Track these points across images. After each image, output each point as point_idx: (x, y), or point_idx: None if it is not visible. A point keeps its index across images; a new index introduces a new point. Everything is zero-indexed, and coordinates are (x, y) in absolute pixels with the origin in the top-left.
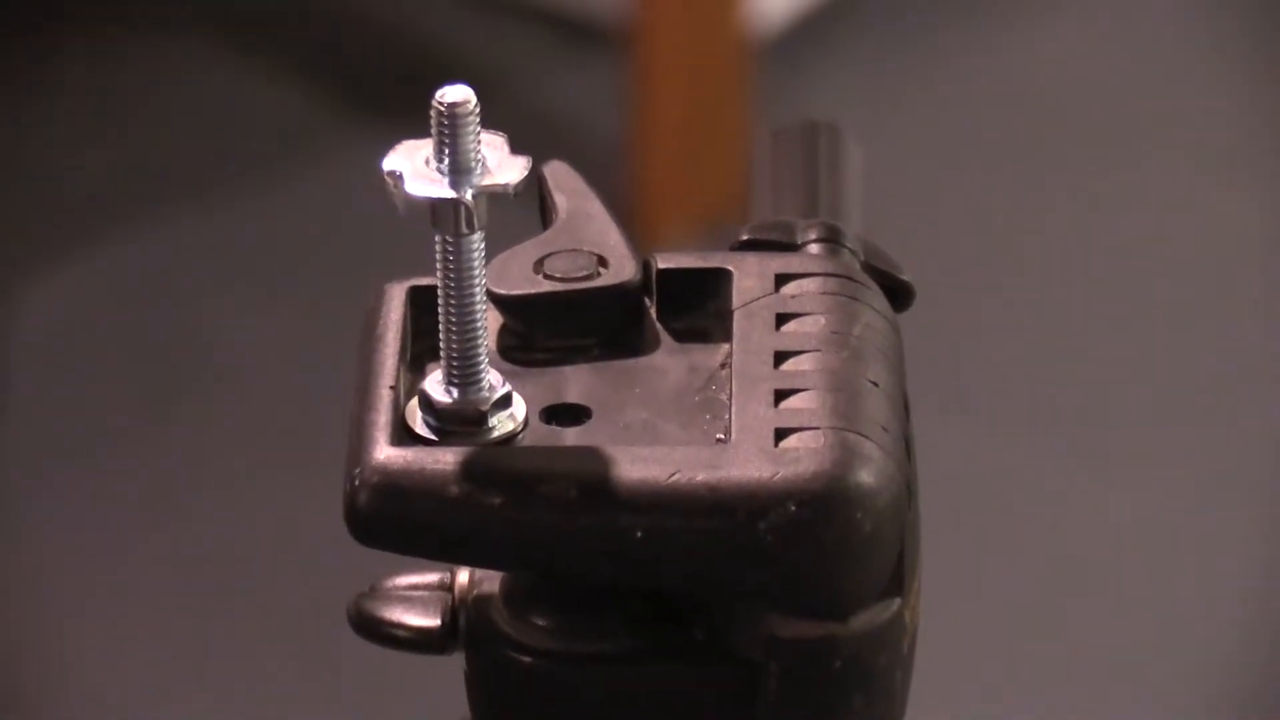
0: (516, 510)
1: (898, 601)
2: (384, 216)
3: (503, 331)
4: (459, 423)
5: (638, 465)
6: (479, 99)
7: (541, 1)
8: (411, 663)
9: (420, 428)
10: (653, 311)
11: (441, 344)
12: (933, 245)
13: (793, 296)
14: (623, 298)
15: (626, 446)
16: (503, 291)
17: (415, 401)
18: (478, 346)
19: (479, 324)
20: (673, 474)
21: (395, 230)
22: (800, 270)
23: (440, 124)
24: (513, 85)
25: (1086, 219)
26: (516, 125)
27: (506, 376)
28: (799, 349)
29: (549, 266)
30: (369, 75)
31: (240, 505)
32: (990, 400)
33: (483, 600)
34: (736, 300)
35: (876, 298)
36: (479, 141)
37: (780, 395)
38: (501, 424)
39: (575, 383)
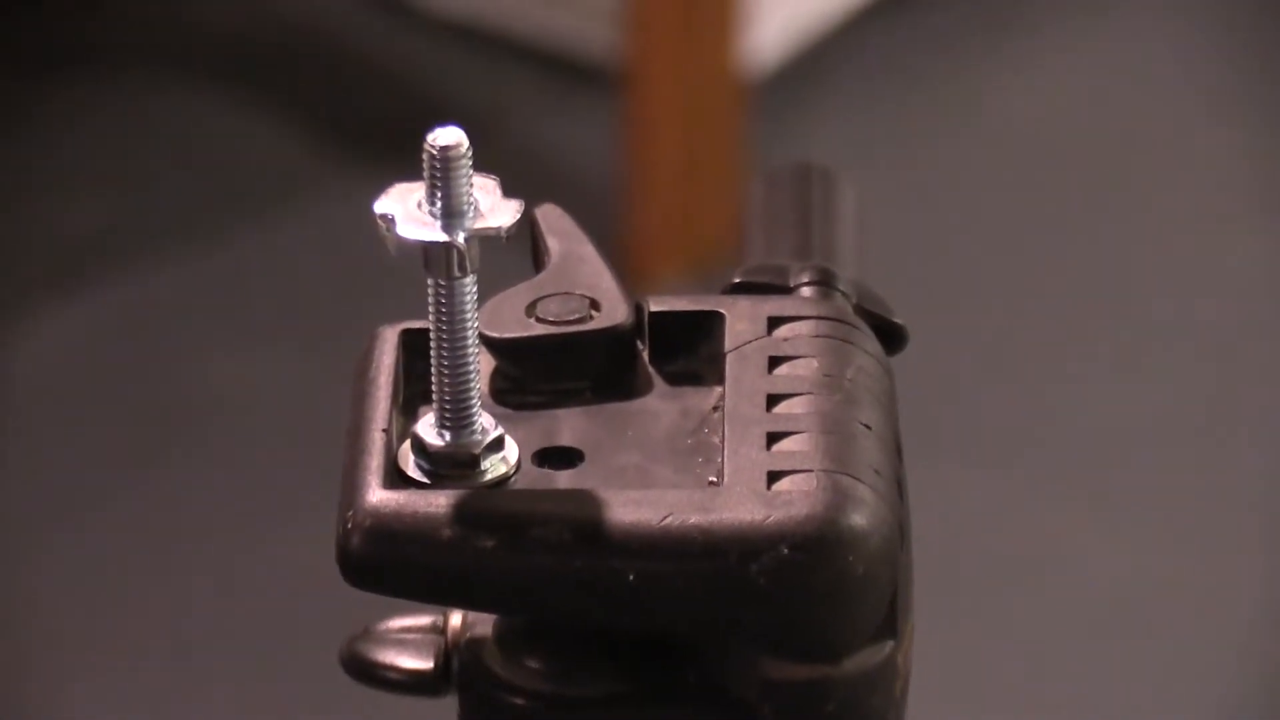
0: (509, 553)
1: (890, 644)
2: (377, 259)
3: (495, 374)
4: (451, 466)
5: (630, 508)
6: (471, 141)
7: (534, 42)
8: (404, 706)
9: (413, 471)
10: (645, 354)
11: (434, 387)
12: (926, 287)
13: (785, 339)
14: (615, 341)
15: (619, 490)
16: (495, 334)
17: (408, 444)
18: (470, 389)
19: (471, 367)
20: (665, 517)
21: (388, 273)
22: (793, 313)
23: (432, 167)
24: (505, 128)
25: (1082, 260)
26: (508, 168)
27: (499, 419)
28: (791, 392)
29: (541, 310)
30: (362, 117)
31: (232, 547)
32: (983, 442)
33: (475, 643)
34: (729, 343)
35: (869, 340)
36: (471, 184)
37: (773, 438)
38: (494, 467)
39: (568, 426)
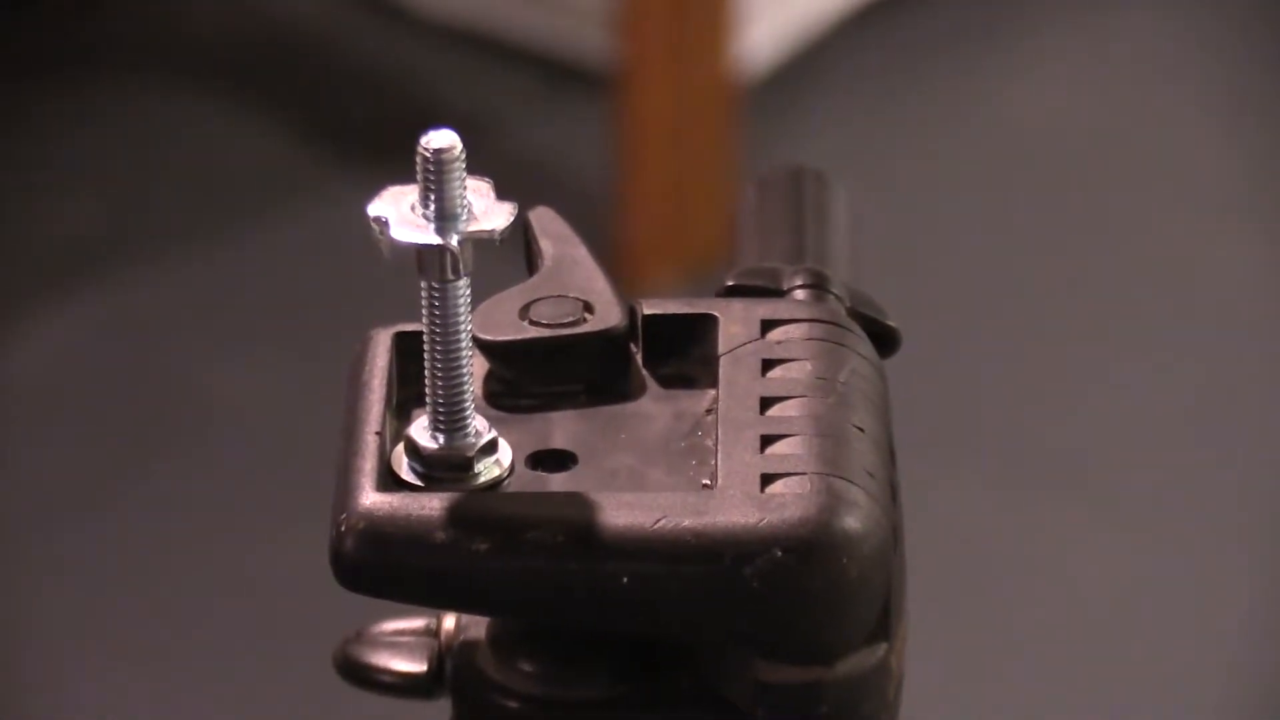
0: (502, 556)
1: (884, 647)
2: (370, 262)
3: (489, 377)
4: (445, 469)
5: (624, 511)
6: (464, 144)
7: (528, 45)
8: (397, 708)
9: (406, 474)
10: (638, 357)
11: (427, 390)
12: (920, 290)
13: (778, 342)
14: (608, 344)
15: (612, 492)
16: (489, 337)
17: (401, 447)
18: (463, 392)
19: (465, 370)
20: (659, 520)
21: (381, 276)
22: (786, 316)
23: (426, 170)
24: (499, 131)
25: (1077, 261)
26: (502, 171)
27: (492, 422)
28: (785, 395)
29: (535, 313)
30: (356, 121)
31: (228, 550)
32: (977, 445)
33: (469, 646)
34: (722, 346)
35: (862, 343)
36: (465, 187)
37: (766, 441)
38: (487, 470)
39: (561, 429)
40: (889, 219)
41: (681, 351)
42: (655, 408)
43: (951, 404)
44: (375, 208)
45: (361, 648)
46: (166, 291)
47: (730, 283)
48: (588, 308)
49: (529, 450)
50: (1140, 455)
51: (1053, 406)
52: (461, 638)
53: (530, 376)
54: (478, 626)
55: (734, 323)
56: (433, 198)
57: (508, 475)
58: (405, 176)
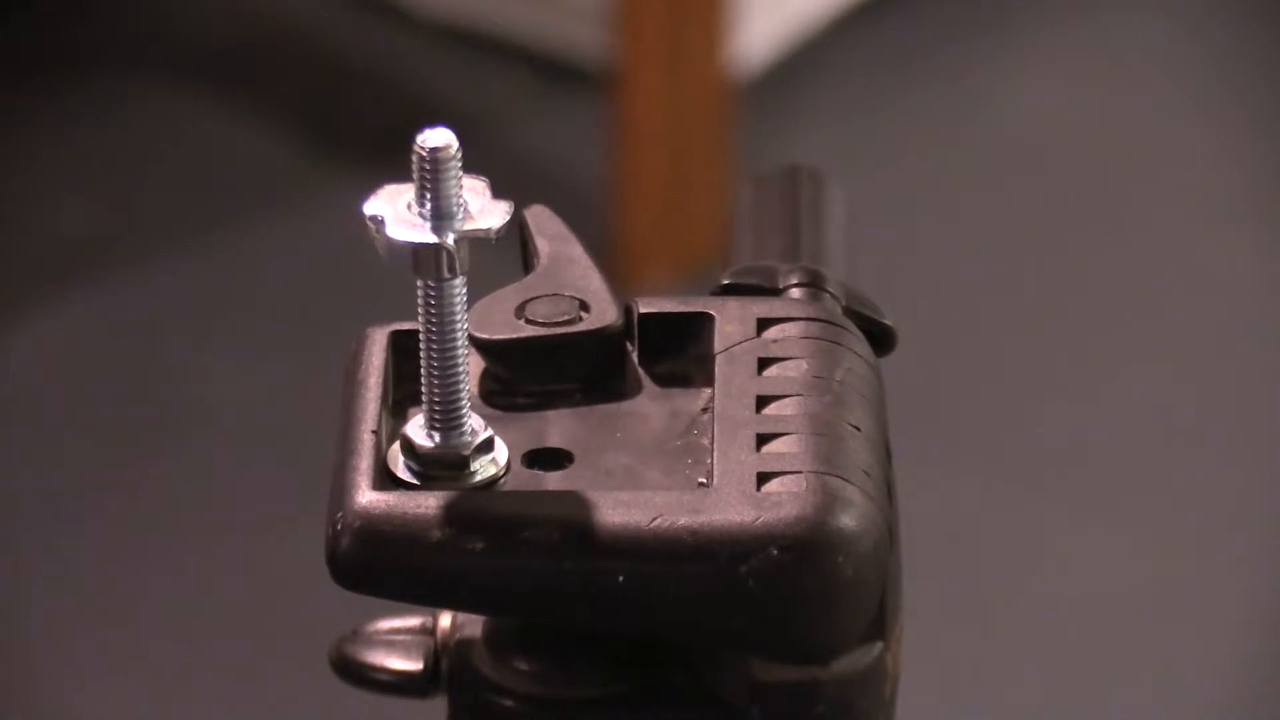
0: (498, 555)
1: (879, 646)
2: (366, 261)
3: (484, 376)
4: (441, 467)
5: (620, 510)
6: (460, 143)
7: (524, 44)
8: (393, 707)
9: (402, 472)
10: (634, 356)
11: (423, 388)
12: (915, 289)
13: (774, 341)
14: (604, 342)
15: (608, 491)
16: (484, 336)
17: (397, 446)
18: (459, 391)
19: (461, 368)
20: (655, 518)
21: (377, 275)
22: (782, 315)
23: (422, 169)
24: (494, 129)
25: (1072, 261)
26: (498, 169)
27: (488, 421)
28: (781, 393)
29: (531, 311)
30: (351, 120)
31: (224, 549)
32: (973, 443)
33: (465, 644)
34: (718, 345)
35: (858, 342)
36: (461, 186)
37: (762, 440)
38: (483, 468)
39: (557, 427)
40: (885, 218)
41: (677, 350)
42: (651, 406)
43: (947, 403)
44: (371, 206)
45: (357, 646)
46: (163, 291)
47: (726, 281)
48: (584, 306)
49: (525, 449)
50: (1138, 454)
51: (1049, 405)
52: (457, 636)
53: (526, 375)
54: (474, 625)
55: (730, 321)
56: (429, 196)
57: (504, 474)
58: (401, 175)
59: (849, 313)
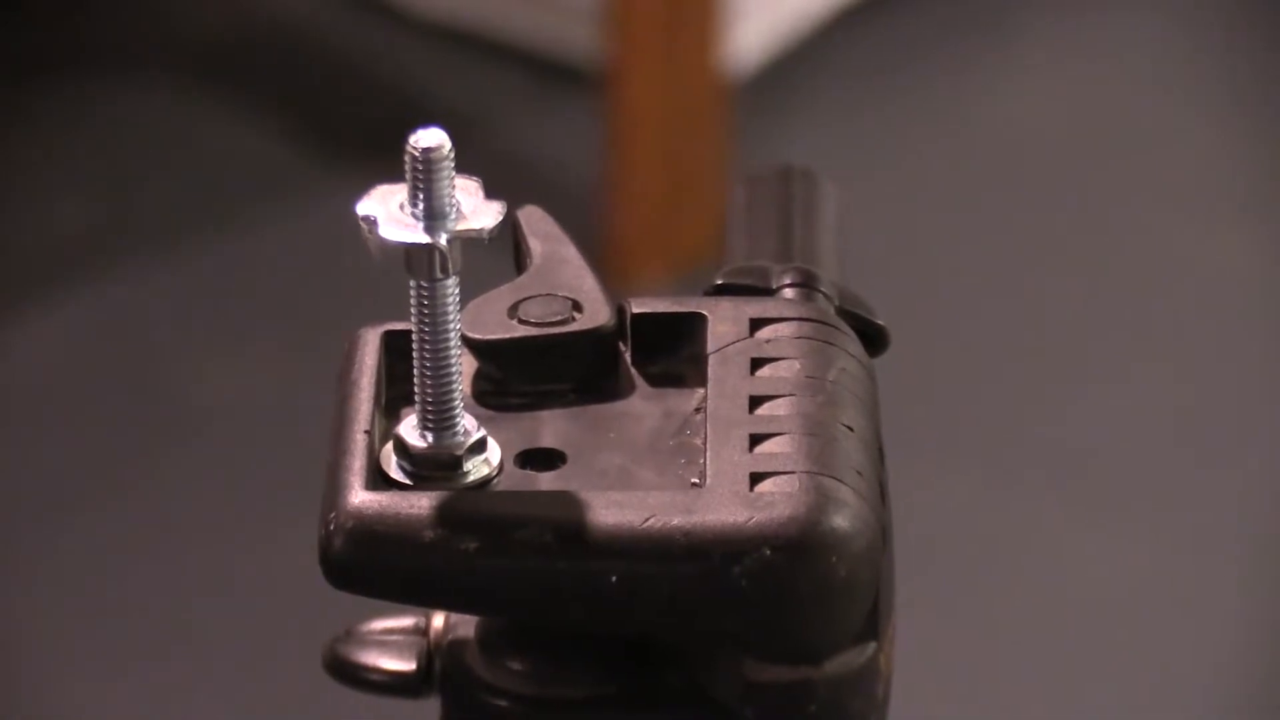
0: (491, 555)
1: (872, 646)
2: (359, 261)
3: (477, 376)
4: (434, 467)
5: (613, 510)
6: (453, 143)
7: (517, 44)
8: (386, 707)
9: (395, 472)
10: (627, 356)
11: (416, 388)
12: (909, 289)
13: (767, 341)
14: (597, 343)
15: (601, 491)
16: (477, 336)
17: (390, 446)
18: (452, 391)
19: (454, 369)
20: (648, 519)
21: (370, 275)
22: (775, 315)
23: (415, 169)
24: (487, 129)
25: (1066, 261)
26: (490, 169)
27: (481, 421)
28: (774, 394)
29: (523, 311)
30: (344, 119)
31: (219, 549)
32: (967, 444)
33: (458, 645)
34: (711, 345)
35: (851, 342)
36: (453, 186)
37: (755, 440)
38: (476, 469)
39: (550, 428)
40: (878, 217)
41: (670, 350)
42: (644, 406)
43: (941, 403)
44: (364, 206)
45: (350, 646)
46: (157, 291)
47: (719, 281)
48: (576, 306)
49: (518, 449)
50: (1133, 454)
51: (1044, 406)
52: (450, 636)
53: (519, 375)
54: (466, 625)
55: (723, 321)
56: (421, 196)
57: (497, 474)
58: (395, 175)
59: (842, 313)
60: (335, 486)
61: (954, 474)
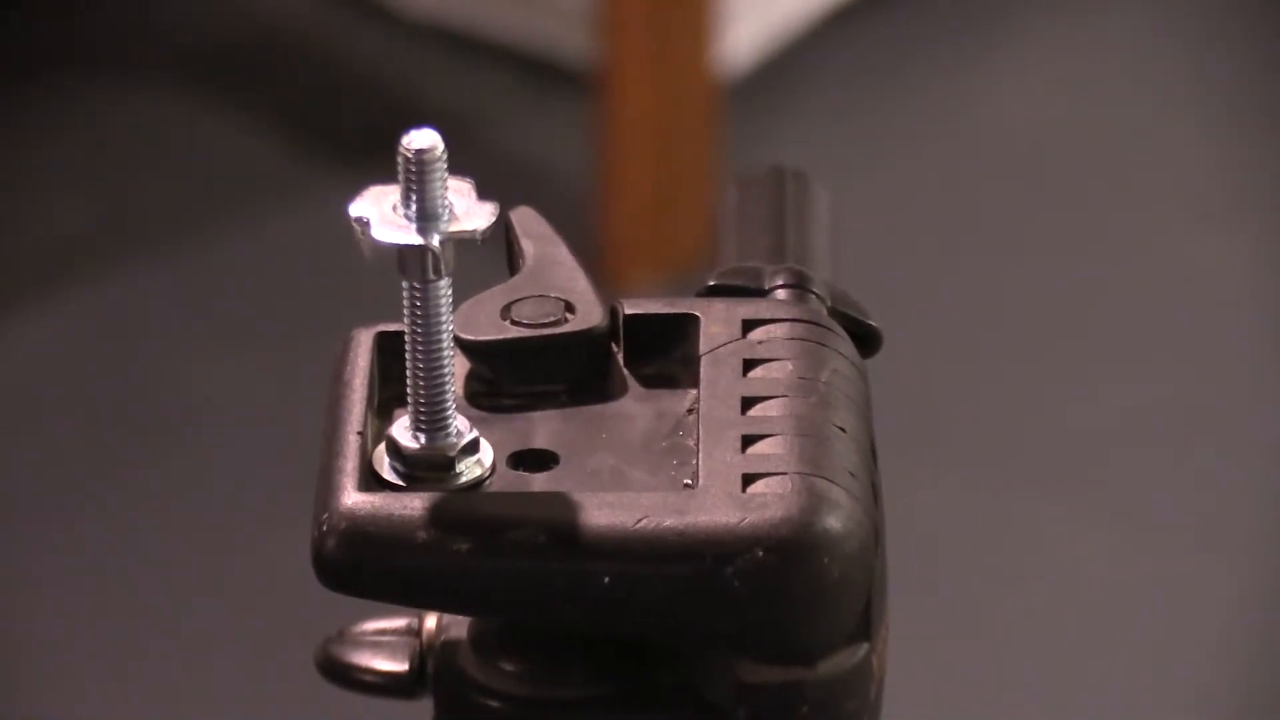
0: (484, 556)
1: (865, 647)
2: (352, 262)
3: (470, 377)
4: (426, 468)
5: (605, 511)
6: (446, 144)
7: (510, 45)
8: (379, 708)
9: (388, 473)
10: (620, 357)
11: (409, 390)
12: (901, 290)
13: (760, 342)
14: (590, 344)
15: (594, 492)
16: (470, 337)
17: (383, 447)
18: (445, 392)
19: (446, 370)
20: (640, 519)
21: (363, 276)
22: (767, 316)
23: (407, 170)
24: (480, 131)
25: (1061, 261)
26: (483, 171)
27: (474, 422)
28: (766, 394)
29: (516, 312)
30: (338, 120)
31: (212, 549)
32: (960, 445)
33: (450, 645)
34: (703, 346)
35: (844, 343)
36: (446, 187)
37: (748, 441)
38: (469, 470)
39: (543, 429)
40: (870, 218)
41: (663, 351)
42: (637, 407)
43: (934, 404)
44: (357, 208)
45: (343, 647)
46: (151, 291)
47: (711, 282)
48: (569, 308)
49: (510, 450)
50: (1127, 456)
51: (1037, 407)
52: (443, 637)
53: (511, 376)
54: (459, 626)
55: (715, 322)
56: (414, 198)
57: (489, 475)
58: (387, 176)
59: (834, 314)
60: (328, 487)
61: (949, 475)
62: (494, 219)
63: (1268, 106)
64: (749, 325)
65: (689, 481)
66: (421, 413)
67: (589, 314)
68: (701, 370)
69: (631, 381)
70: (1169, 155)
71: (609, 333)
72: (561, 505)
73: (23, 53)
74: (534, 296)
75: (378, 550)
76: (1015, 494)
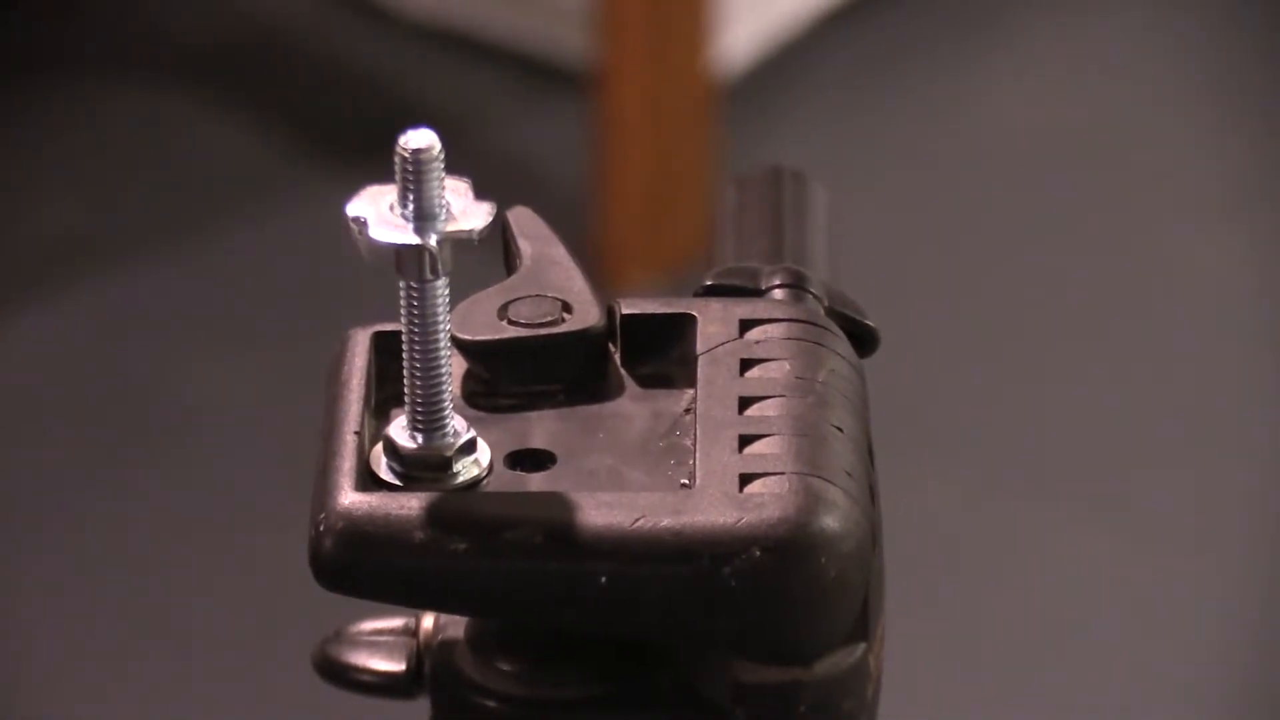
0: (481, 556)
1: (862, 647)
2: (349, 262)
3: (467, 377)
4: (423, 468)
5: (602, 511)
6: (443, 144)
7: (506, 45)
8: (376, 708)
9: (385, 473)
10: (617, 357)
11: (406, 389)
12: (899, 289)
13: (757, 342)
14: (587, 344)
15: (591, 492)
16: (467, 337)
17: (380, 447)
18: (442, 392)
19: (443, 369)
20: (637, 519)
21: (360, 276)
22: (765, 315)
23: (404, 170)
24: (477, 130)
25: (1059, 261)
26: (480, 170)
27: (471, 422)
28: (763, 394)
29: (513, 312)
30: (334, 120)
31: (209, 550)
32: (957, 445)
33: (447, 645)
34: (701, 346)
35: (841, 343)
36: (443, 187)
37: (745, 440)
38: (466, 470)
39: (540, 429)
40: (868, 218)
41: (660, 351)
42: (634, 407)
43: (931, 404)
44: (354, 207)
45: (340, 647)
46: (147, 291)
47: (709, 282)
48: (566, 307)
49: (507, 450)
50: (1123, 456)
51: (1034, 407)
52: (440, 637)
53: (509, 376)
54: (456, 626)
55: (712, 322)
56: (411, 197)
57: (486, 475)
58: (384, 176)
59: (831, 313)
60: (325, 487)
61: (947, 475)
62: (491, 219)
63: (1267, 106)
64: (746, 325)
65: (686, 481)
66: (419, 413)
67: (586, 314)
68: (699, 370)
69: (629, 381)
70: (1169, 155)
71: (606, 333)
72: (559, 505)
73: (22, 53)
74: (531, 296)
75: (375, 550)
76: (1014, 494)
